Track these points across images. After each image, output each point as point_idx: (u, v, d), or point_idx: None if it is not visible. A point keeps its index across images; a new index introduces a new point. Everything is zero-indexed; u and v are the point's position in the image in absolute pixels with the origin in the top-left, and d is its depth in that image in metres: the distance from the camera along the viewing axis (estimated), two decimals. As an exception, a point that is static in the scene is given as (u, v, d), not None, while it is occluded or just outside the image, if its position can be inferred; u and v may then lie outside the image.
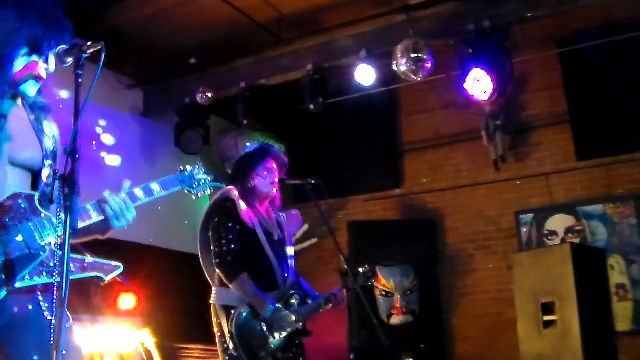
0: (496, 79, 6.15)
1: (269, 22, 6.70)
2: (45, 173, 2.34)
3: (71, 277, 2.27)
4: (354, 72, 6.62)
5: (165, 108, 7.72)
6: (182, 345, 6.34)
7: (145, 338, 5.88)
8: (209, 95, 7.12)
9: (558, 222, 7.17)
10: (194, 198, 2.80)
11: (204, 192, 2.78)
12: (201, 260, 4.35)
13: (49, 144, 2.39)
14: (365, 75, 6.59)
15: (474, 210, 7.64)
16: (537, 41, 7.06)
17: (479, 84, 6.20)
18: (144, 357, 5.78)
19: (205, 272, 4.35)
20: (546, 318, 5.50)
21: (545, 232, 7.23)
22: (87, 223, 2.30)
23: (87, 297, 5.31)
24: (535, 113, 7.50)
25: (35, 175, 2.35)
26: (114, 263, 2.42)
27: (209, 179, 2.79)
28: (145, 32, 6.72)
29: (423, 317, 7.29)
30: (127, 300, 6.14)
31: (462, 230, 7.68)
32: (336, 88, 7.11)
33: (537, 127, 7.47)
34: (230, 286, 4.08)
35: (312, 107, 6.82)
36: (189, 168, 2.74)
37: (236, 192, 4.24)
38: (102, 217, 2.34)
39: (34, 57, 2.29)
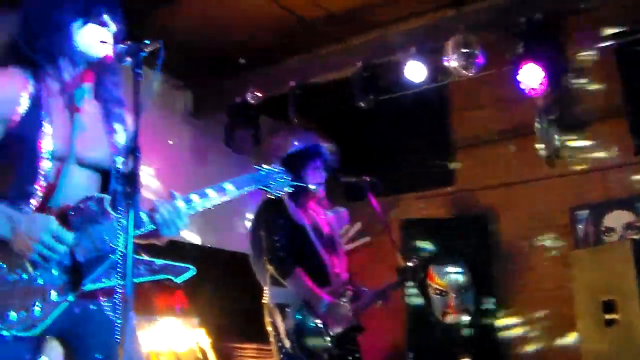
0: (549, 72, 6.01)
1: (317, 19, 6.68)
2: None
3: (141, 280, 2.28)
4: (403, 69, 6.56)
5: (215, 108, 7.75)
6: (237, 345, 6.38)
7: (201, 338, 5.94)
8: (259, 94, 7.13)
9: (616, 218, 6.95)
10: (271, 197, 2.77)
11: (282, 191, 2.70)
12: (251, 261, 4.36)
13: (120, 140, 2.39)
14: (415, 71, 6.53)
15: (528, 207, 7.47)
16: (592, 33, 6.87)
17: (532, 78, 6.08)
18: (199, 357, 5.83)
19: (256, 273, 4.36)
20: (608, 316, 5.37)
21: (603, 228, 7.04)
22: (141, 231, 2.29)
23: (144, 297, 5.38)
24: (590, 107, 7.31)
25: (106, 175, 2.35)
26: (184, 265, 2.41)
27: (289, 178, 2.72)
28: (194, 33, 6.75)
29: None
30: (183, 300, 6.19)
31: (515, 227, 7.52)
32: (386, 85, 7.04)
33: (593, 121, 7.28)
34: (284, 282, 4.08)
35: (362, 104, 6.78)
36: (265, 167, 2.67)
37: None
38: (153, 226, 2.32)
39: (90, 25, 2.31)
